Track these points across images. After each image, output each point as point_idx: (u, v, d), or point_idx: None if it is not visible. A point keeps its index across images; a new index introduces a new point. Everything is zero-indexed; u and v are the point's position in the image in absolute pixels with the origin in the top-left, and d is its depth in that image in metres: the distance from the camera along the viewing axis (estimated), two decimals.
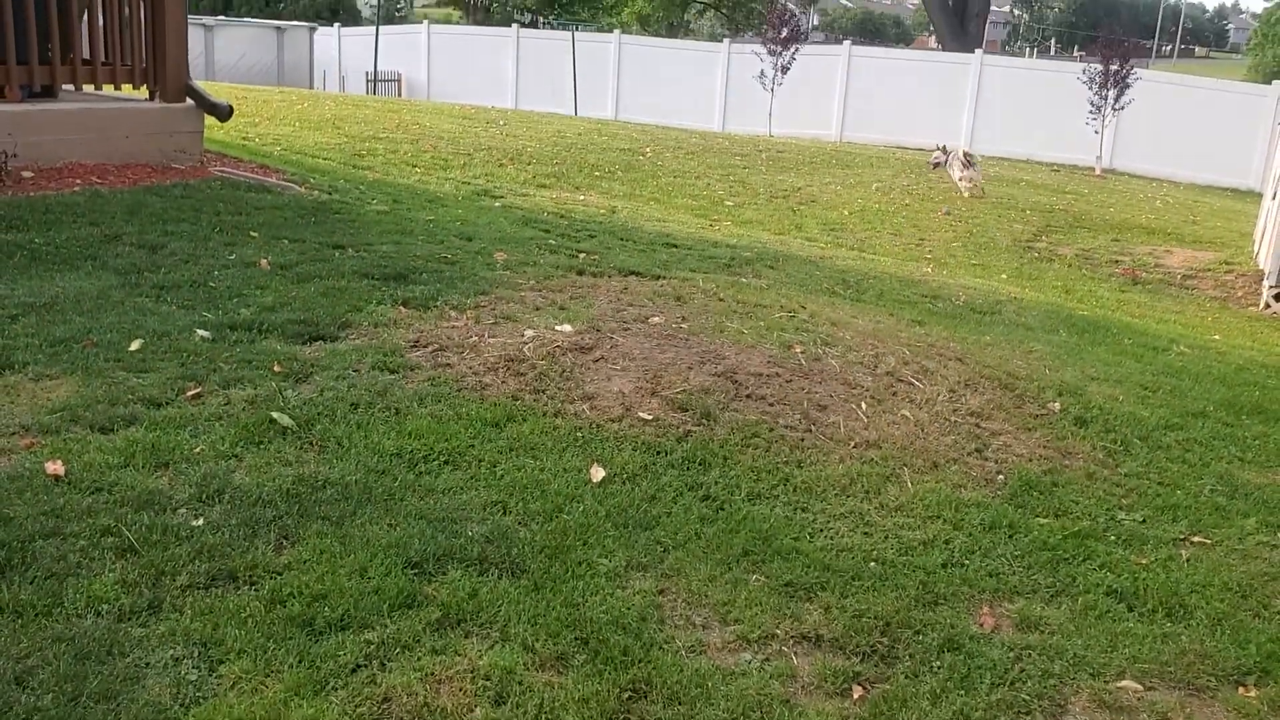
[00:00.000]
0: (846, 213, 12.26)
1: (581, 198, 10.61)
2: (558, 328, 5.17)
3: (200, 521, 3.26)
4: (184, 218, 6.76)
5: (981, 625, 3.21)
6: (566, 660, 2.82)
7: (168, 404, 4.04)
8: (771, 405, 4.49)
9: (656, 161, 13.97)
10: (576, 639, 2.90)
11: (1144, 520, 4.06)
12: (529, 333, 5.09)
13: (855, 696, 2.81)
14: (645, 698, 2.71)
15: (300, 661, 2.69)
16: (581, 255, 7.16)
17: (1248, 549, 3.93)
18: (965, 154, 15.49)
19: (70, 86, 8.09)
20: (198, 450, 3.70)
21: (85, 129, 7.72)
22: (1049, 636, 3.19)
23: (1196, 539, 3.97)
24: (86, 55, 8.10)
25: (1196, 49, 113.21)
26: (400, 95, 28.78)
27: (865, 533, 3.67)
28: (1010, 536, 3.76)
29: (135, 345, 4.55)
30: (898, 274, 8.51)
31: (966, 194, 13.75)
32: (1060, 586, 3.49)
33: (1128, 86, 20.99)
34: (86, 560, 3.01)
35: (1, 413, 3.84)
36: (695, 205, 11.59)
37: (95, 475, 3.46)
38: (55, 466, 3.48)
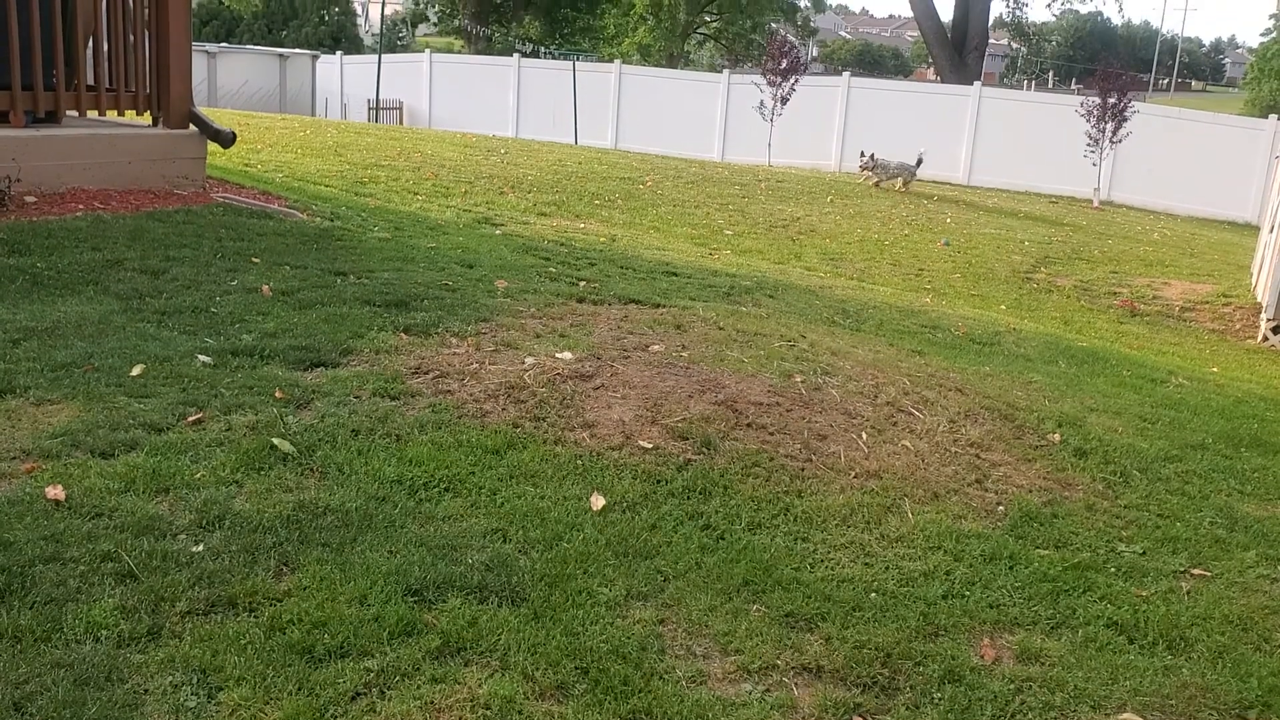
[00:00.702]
0: (846, 243, 12.31)
1: (582, 226, 10.65)
2: (558, 355, 5.18)
3: (200, 548, 3.25)
4: (186, 243, 6.78)
5: (982, 657, 3.20)
6: (566, 689, 2.81)
7: (169, 429, 4.04)
8: (772, 434, 4.49)
9: (656, 190, 14.03)
10: (576, 668, 2.89)
11: (1144, 552, 4.05)
12: (529, 360, 5.10)
13: None
14: None
15: (300, 689, 2.68)
16: (582, 283, 7.18)
17: (1248, 582, 3.93)
18: (901, 164, 16.61)
19: (74, 112, 8.13)
20: (198, 476, 3.70)
21: (89, 155, 7.76)
22: (1050, 668, 3.18)
23: (1197, 571, 3.96)
24: (91, 82, 8.14)
25: (1193, 83, 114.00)
26: (402, 123, 28.93)
27: (866, 563, 3.66)
28: (1011, 568, 3.76)
29: (137, 370, 4.56)
30: (897, 304, 8.54)
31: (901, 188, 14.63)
32: (1061, 618, 3.48)
33: (1125, 119, 21.11)
34: (86, 586, 3.01)
35: (2, 437, 3.84)
36: (695, 234, 11.64)
37: (96, 500, 3.46)
38: (55, 491, 3.48)
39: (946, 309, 8.89)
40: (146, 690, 2.63)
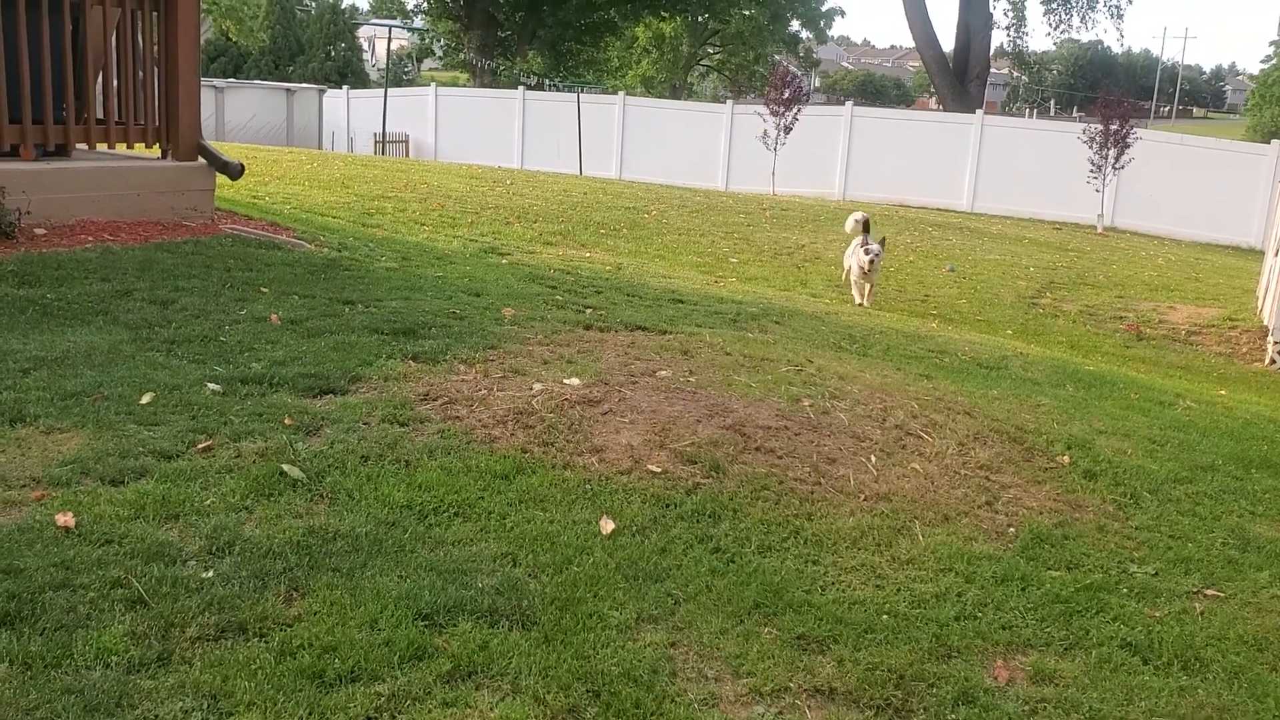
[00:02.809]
0: None
1: (587, 255, 10.69)
2: (566, 381, 5.18)
3: (210, 573, 3.25)
4: (195, 274, 6.81)
5: (996, 678, 3.18)
6: (578, 713, 2.80)
7: (178, 456, 4.05)
8: (780, 458, 4.49)
9: (661, 219, 14.08)
10: (588, 691, 2.88)
11: (1156, 573, 4.03)
12: (537, 386, 5.11)
13: None
14: None
15: (310, 713, 2.67)
16: (588, 310, 7.20)
17: (1262, 602, 3.90)
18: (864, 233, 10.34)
19: (84, 145, 8.20)
20: (208, 502, 3.70)
21: (98, 187, 7.81)
22: (1064, 689, 3.16)
23: (1210, 592, 3.94)
24: (100, 115, 8.21)
25: (1194, 110, 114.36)
26: (408, 156, 29.11)
27: (877, 585, 3.65)
28: (1023, 589, 3.74)
29: (146, 399, 4.57)
30: (903, 329, 8.54)
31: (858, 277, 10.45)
32: (1074, 639, 3.46)
33: (1128, 146, 21.19)
34: (96, 612, 3.00)
35: (12, 465, 3.85)
36: (700, 262, 11.67)
37: (105, 527, 3.46)
38: (65, 518, 3.48)
39: (953, 334, 8.89)
40: (157, 716, 2.62)
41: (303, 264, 7.65)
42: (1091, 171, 21.34)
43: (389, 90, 30.99)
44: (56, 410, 4.37)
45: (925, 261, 13.39)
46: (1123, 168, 21.36)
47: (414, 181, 14.30)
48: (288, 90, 31.46)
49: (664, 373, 5.45)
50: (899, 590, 3.63)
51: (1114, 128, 21.14)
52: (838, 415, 5.03)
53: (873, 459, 4.64)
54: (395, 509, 3.81)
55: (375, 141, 29.33)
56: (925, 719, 2.94)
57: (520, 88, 31.74)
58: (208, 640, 2.94)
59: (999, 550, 4.02)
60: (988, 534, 4.15)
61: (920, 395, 5.67)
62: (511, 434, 4.57)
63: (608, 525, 3.84)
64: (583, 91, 31.62)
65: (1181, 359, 10.21)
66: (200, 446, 4.15)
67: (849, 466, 4.53)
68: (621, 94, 31.01)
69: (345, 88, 34.76)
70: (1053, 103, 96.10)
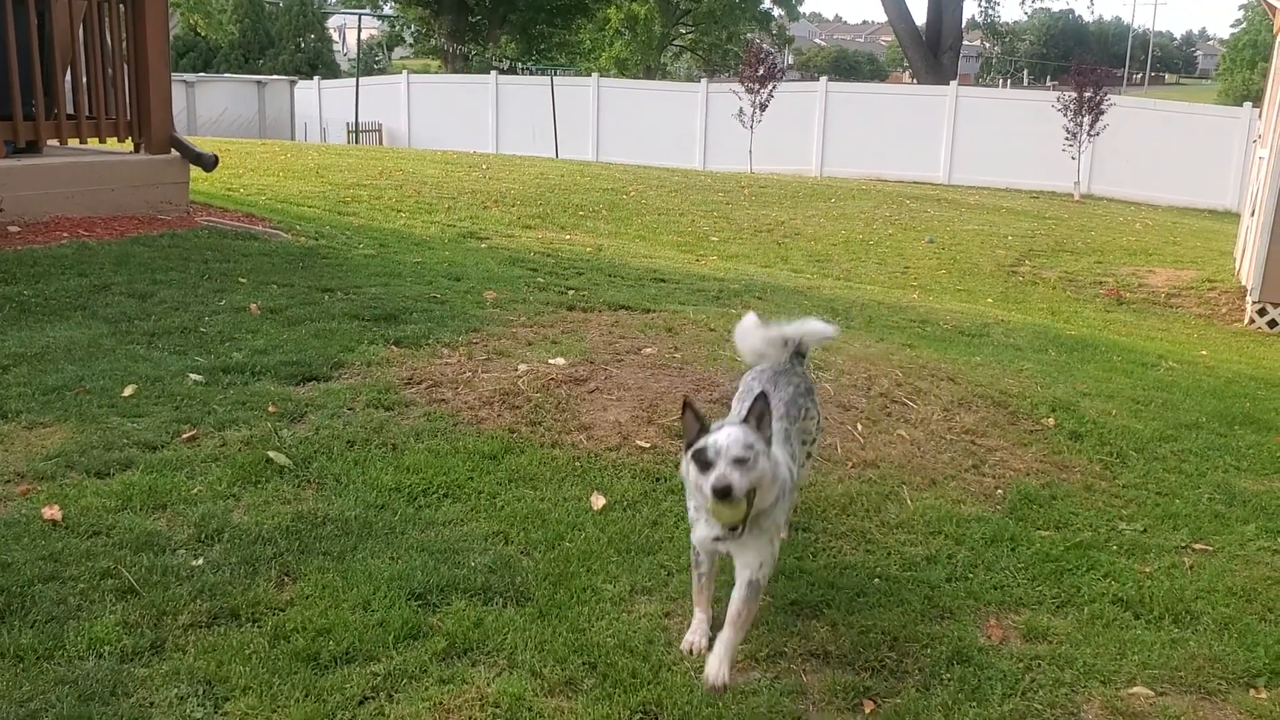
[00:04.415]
0: (830, 244, 12.34)
1: (567, 237, 10.65)
2: (551, 361, 5.17)
3: (200, 561, 3.24)
4: (172, 266, 6.76)
5: (989, 637, 3.20)
6: (575, 685, 2.80)
7: (163, 447, 4.02)
8: None
9: (640, 200, 14.05)
10: (584, 664, 2.88)
11: (1145, 530, 4.06)
12: (522, 367, 5.09)
13: (866, 711, 2.80)
14: (656, 719, 2.69)
15: (307, 696, 2.66)
16: (571, 292, 7.18)
17: (1249, 554, 3.93)
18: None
19: (55, 141, 8.11)
20: (195, 491, 3.68)
21: (71, 183, 7.73)
22: (1057, 646, 3.18)
23: (1198, 546, 3.97)
24: (71, 110, 8.12)
25: (1166, 76, 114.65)
26: (381, 144, 28.93)
27: (868, 550, 3.66)
28: (1013, 549, 3.76)
29: (128, 391, 4.53)
30: (885, 301, 8.56)
31: None
32: (1065, 597, 3.48)
33: (1102, 112, 21.26)
34: (87, 603, 2.98)
35: None
36: (681, 241, 11.65)
37: (93, 519, 3.43)
38: (52, 512, 3.45)
39: (934, 304, 8.91)
40: (152, 703, 2.61)
41: (280, 253, 7.59)
42: (1067, 139, 21.41)
43: (361, 79, 30.79)
44: (38, 405, 4.33)
45: (904, 234, 13.41)
46: (1098, 134, 21.43)
47: (389, 169, 14.22)
48: (258, 83, 31.19)
49: (649, 350, 5.44)
50: (889, 554, 3.64)
51: (1088, 95, 21.20)
52: (823, 385, 5.03)
53: (859, 427, 4.65)
54: (384, 492, 3.79)
55: (348, 131, 29.13)
56: (920, 679, 2.95)
57: (493, 73, 31.56)
58: (200, 627, 2.93)
59: (988, 512, 4.04)
60: (976, 496, 4.17)
61: (904, 364, 5.68)
62: (498, 415, 4.55)
63: (598, 501, 3.84)
64: (556, 75, 31.48)
65: (1162, 322, 10.27)
66: (185, 436, 4.12)
67: (836, 435, 4.53)
68: (595, 76, 30.90)
69: (316, 79, 34.50)
70: (1026, 73, 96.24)
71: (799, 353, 3.48)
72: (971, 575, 3.55)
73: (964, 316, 8.14)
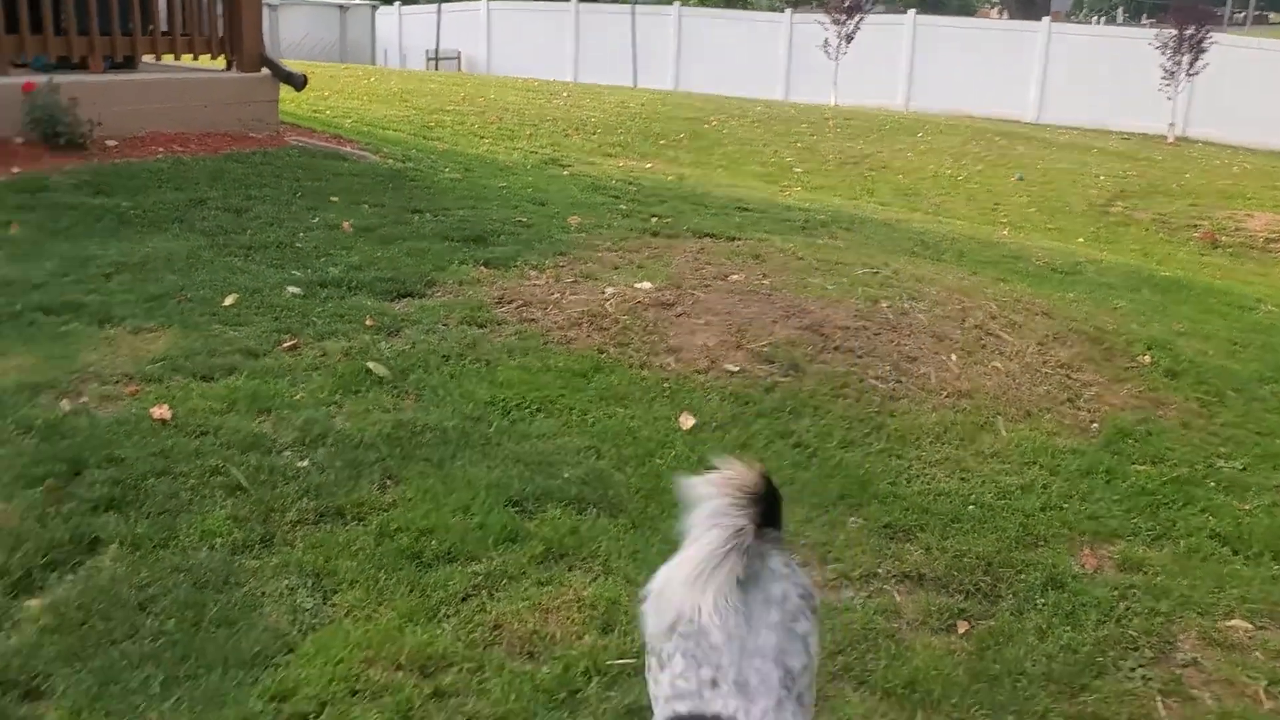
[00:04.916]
0: (919, 178, 12.12)
1: (648, 165, 10.60)
2: (637, 285, 5.17)
3: (305, 463, 3.32)
4: (265, 183, 6.86)
5: (1083, 566, 3.17)
6: None
7: (265, 355, 4.12)
8: (860, 357, 4.46)
9: (722, 130, 13.90)
10: None
11: (1244, 468, 3.98)
12: (610, 290, 5.11)
13: (960, 631, 2.80)
14: None
15: (411, 591, 2.74)
16: (654, 219, 7.16)
17: None
18: None
19: (150, 58, 8.23)
20: (298, 398, 3.77)
21: (166, 99, 7.85)
22: (1153, 577, 3.14)
23: None
24: (165, 27, 8.22)
25: (1270, 15, 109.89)
26: (460, 72, 28.90)
27: (962, 478, 3.64)
28: (1108, 482, 3.71)
29: (229, 300, 4.64)
30: (975, 236, 8.40)
31: None
32: (1161, 530, 3.44)
33: (1203, 51, 20.43)
34: (197, 498, 3.09)
35: (105, 362, 3.94)
36: (764, 172, 11.53)
37: (200, 420, 3.54)
38: (161, 411, 3.56)
39: (1025, 241, 8.73)
40: (264, 593, 2.70)
41: (369, 174, 7.67)
42: (1164, 79, 20.64)
43: (441, 6, 30.69)
44: (142, 311, 4.45)
45: (993, 171, 13.11)
46: (1197, 74, 20.61)
47: (471, 95, 14.21)
48: (340, 7, 31.25)
49: (736, 276, 5.41)
50: (984, 482, 3.62)
51: (1188, 32, 20.37)
52: (916, 316, 4.98)
53: (953, 357, 4.60)
54: (479, 405, 3.85)
55: (427, 59, 29.13)
56: (1014, 603, 2.95)
57: (573, 0, 31.26)
58: (307, 524, 3.01)
59: (1083, 445, 3.99)
60: (1071, 429, 4.12)
61: (998, 297, 5.59)
62: (587, 335, 4.58)
63: (688, 421, 3.86)
64: (637, 4, 31.08)
65: (1260, 267, 9.96)
66: (285, 345, 4.21)
67: (930, 365, 4.49)
68: (677, 5, 30.42)
69: (397, 4, 34.45)
70: (1121, 10, 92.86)
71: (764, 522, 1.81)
72: (1066, 505, 3.52)
73: (1055, 254, 7.96)
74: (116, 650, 2.42)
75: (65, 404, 3.58)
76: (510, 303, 4.94)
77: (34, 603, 2.58)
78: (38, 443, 3.28)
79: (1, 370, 3.81)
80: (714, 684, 1.68)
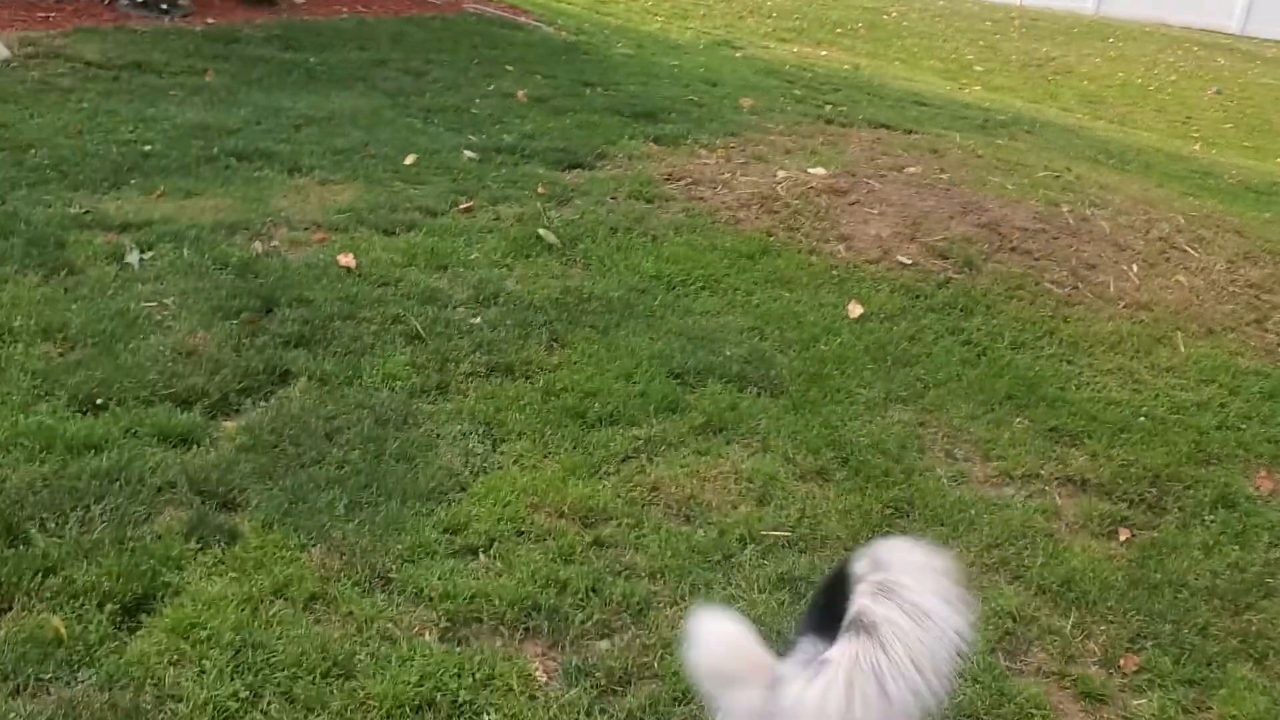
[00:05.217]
0: (1105, 85, 11.49)
1: (823, 53, 10.32)
2: (810, 170, 5.10)
3: (478, 319, 3.43)
4: (444, 48, 6.96)
5: (1258, 488, 3.06)
6: (826, 474, 2.86)
7: (442, 214, 4.23)
8: (1037, 260, 4.33)
9: (901, 22, 13.40)
10: (836, 457, 2.94)
11: None
12: (781, 174, 5.05)
13: (1121, 539, 2.75)
14: (906, 516, 2.73)
15: (575, 447, 2.83)
16: (828, 106, 7.00)
17: None
18: None
19: None
20: (472, 257, 3.87)
21: None
22: None
23: None
24: None
25: None
26: None
27: (1134, 389, 3.53)
28: None
29: (409, 160, 4.76)
30: (1163, 149, 7.97)
31: None
32: None
33: None
34: (379, 343, 3.23)
35: (295, 210, 4.11)
36: (942, 68, 11.10)
37: (382, 271, 3.68)
38: (346, 259, 3.72)
39: (1218, 157, 8.23)
40: (439, 435, 2.83)
41: (543, 45, 7.69)
42: None
43: None
44: (330, 164, 4.62)
45: (1188, 82, 12.32)
46: None
47: None
48: None
49: (913, 169, 5.28)
50: (1157, 396, 3.50)
51: None
52: (1098, 223, 4.78)
53: (1134, 268, 4.41)
54: (644, 277, 3.89)
55: None
56: (1180, 517, 2.87)
57: None
58: (479, 376, 3.13)
59: (1268, 367, 3.81)
60: (1256, 350, 3.93)
61: (1186, 211, 5.32)
62: (756, 217, 4.56)
63: (855, 309, 3.82)
64: None
65: None
66: (462, 207, 4.32)
67: (1109, 274, 4.32)
68: None
69: None
70: None
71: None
72: (1244, 426, 3.38)
73: (1252, 172, 7.50)
74: (305, 473, 2.58)
75: (258, 245, 3.77)
76: (679, 180, 4.93)
77: (230, 424, 2.77)
78: (234, 279, 3.47)
79: (200, 209, 4.02)
80: None
